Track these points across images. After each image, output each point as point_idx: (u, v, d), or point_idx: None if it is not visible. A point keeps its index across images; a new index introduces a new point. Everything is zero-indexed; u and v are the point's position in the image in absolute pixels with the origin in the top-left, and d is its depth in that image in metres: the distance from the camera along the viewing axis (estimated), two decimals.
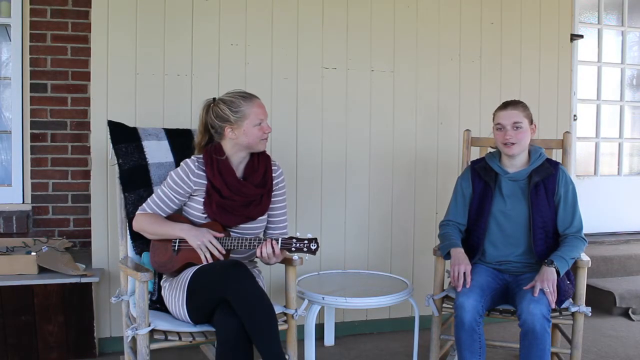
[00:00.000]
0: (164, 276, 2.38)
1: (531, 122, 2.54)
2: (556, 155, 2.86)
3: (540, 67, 3.61)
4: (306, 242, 2.18)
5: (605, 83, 4.44)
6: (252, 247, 2.24)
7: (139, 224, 2.34)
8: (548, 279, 2.28)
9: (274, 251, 2.20)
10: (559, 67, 3.65)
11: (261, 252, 2.21)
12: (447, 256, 2.52)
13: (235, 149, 2.34)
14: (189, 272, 2.21)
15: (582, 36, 4.15)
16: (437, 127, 3.43)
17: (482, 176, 2.59)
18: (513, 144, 2.48)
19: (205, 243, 2.21)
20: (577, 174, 4.30)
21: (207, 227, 2.27)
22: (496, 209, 2.53)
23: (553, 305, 2.27)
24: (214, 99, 2.37)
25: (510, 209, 2.52)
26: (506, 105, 2.54)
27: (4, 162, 3.41)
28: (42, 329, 2.76)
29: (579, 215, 2.50)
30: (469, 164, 2.73)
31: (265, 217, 2.42)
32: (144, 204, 2.37)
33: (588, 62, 4.35)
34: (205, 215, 2.31)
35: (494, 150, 2.69)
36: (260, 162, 2.40)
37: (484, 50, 3.49)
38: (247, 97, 2.33)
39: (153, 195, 2.37)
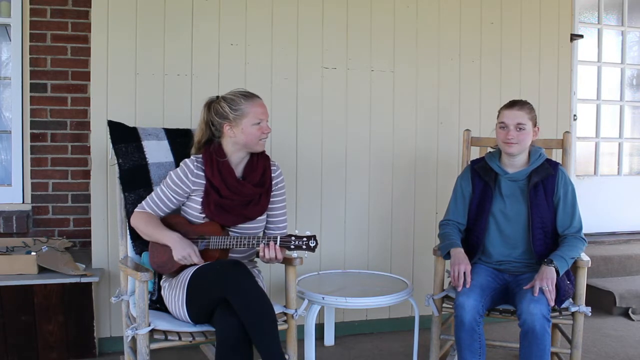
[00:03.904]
0: (164, 276, 2.38)
1: (535, 124, 2.53)
2: (556, 155, 2.86)
3: (540, 67, 3.61)
4: (305, 239, 2.17)
5: (605, 83, 4.44)
6: (251, 246, 2.24)
7: (136, 222, 2.35)
8: (547, 277, 2.28)
9: (276, 256, 2.21)
10: (559, 67, 3.65)
11: (264, 254, 2.22)
12: (447, 256, 2.52)
13: (235, 148, 2.34)
14: (188, 272, 2.21)
15: (582, 36, 4.15)
16: (437, 127, 3.43)
17: (482, 176, 2.59)
18: (514, 143, 2.48)
19: (185, 257, 2.21)
20: (577, 174, 4.30)
21: (205, 228, 2.28)
22: (496, 209, 2.54)
23: (552, 304, 2.27)
24: (217, 96, 2.38)
25: (510, 209, 2.52)
26: (513, 104, 2.53)
27: (4, 162, 3.41)
28: (42, 329, 2.76)
29: (579, 216, 2.50)
30: (469, 163, 2.74)
31: (264, 217, 2.42)
32: (142, 202, 2.37)
33: (588, 62, 4.35)
34: (203, 215, 2.31)
35: (493, 150, 2.69)
36: (259, 162, 2.40)
37: (484, 50, 3.49)
38: (249, 96, 2.33)
39: (152, 194, 2.38)
